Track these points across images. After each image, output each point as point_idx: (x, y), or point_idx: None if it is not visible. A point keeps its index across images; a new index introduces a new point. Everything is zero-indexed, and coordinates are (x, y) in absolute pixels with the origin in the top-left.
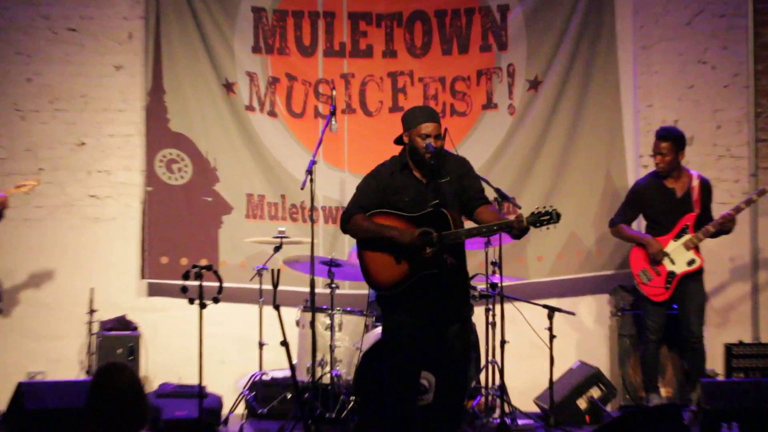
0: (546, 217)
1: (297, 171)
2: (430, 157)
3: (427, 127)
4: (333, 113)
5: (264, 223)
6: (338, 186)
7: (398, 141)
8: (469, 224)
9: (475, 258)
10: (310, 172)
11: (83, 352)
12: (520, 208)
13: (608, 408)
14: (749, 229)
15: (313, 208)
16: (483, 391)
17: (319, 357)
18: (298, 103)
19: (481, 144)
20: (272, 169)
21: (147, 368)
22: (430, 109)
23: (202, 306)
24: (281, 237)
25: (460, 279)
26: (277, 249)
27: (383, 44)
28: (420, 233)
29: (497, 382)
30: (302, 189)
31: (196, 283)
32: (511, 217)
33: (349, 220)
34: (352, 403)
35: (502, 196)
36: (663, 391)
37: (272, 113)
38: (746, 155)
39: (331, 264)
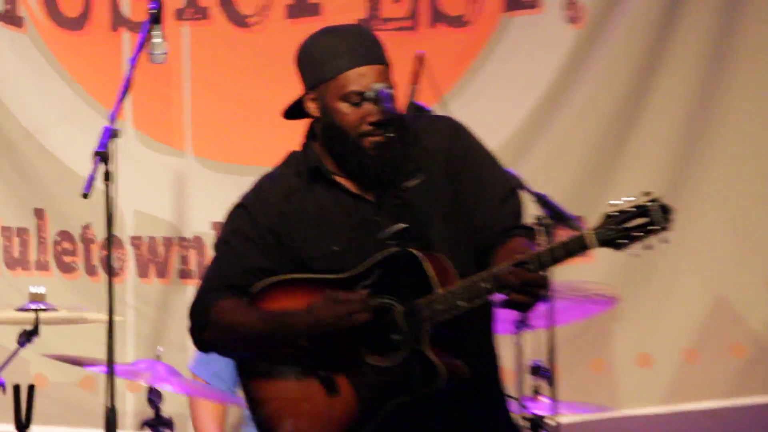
0: (638, 222)
1: (73, 154)
2: (374, 146)
3: (359, 78)
4: (156, 18)
5: None
6: (171, 189)
7: (295, 113)
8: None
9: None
10: (102, 155)
11: None
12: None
13: None
14: None
15: (111, 241)
16: None
17: None
18: None
19: (503, 89)
20: (13, 149)
21: None
22: (357, 30)
23: None
24: (36, 308)
25: (484, 391)
26: (28, 336)
27: None
28: (370, 307)
29: None
30: (86, 196)
31: None
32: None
33: (206, 317)
34: None
35: (555, 213)
36: None
37: (13, 19)
38: None
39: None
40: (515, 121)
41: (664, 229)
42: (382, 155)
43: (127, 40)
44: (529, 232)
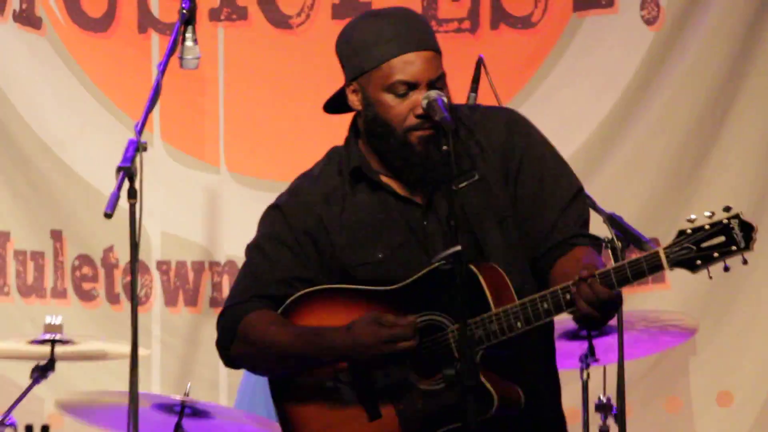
0: (716, 241)
1: (94, 170)
2: (422, 141)
3: (405, 66)
4: (188, 19)
5: (7, 305)
6: (202, 208)
7: (338, 107)
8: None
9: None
10: (127, 171)
11: None
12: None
13: None
14: None
15: (136, 267)
16: None
17: None
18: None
19: (572, 97)
20: (29, 163)
21: None
22: (403, 13)
23: None
24: (52, 339)
25: (541, 422)
26: (43, 372)
27: None
28: (417, 334)
29: None
30: (109, 216)
31: None
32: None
33: (234, 330)
34: None
35: (627, 235)
36: None
37: (31, 19)
38: None
39: (184, 413)
40: (585, 132)
41: (744, 249)
42: (431, 152)
43: (156, 43)
44: (594, 241)
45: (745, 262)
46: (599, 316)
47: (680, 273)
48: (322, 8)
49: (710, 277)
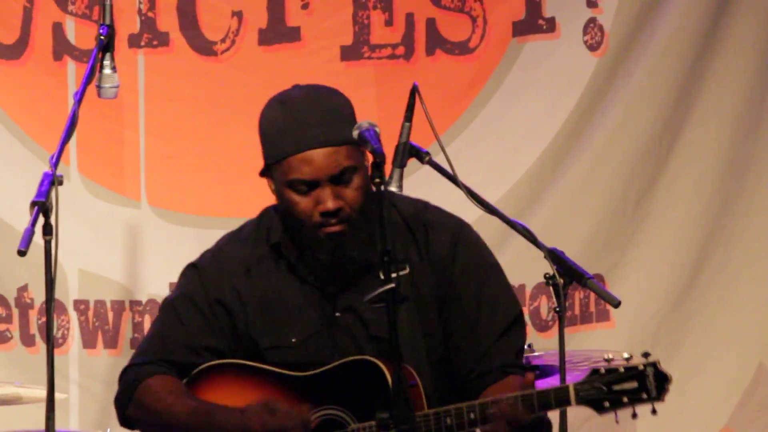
0: (627, 386)
1: (7, 205)
2: (330, 237)
3: (302, 165)
4: (106, 46)
5: None
6: (122, 245)
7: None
8: None
9: None
10: (41, 206)
11: None
12: (616, 305)
13: None
14: None
15: (52, 307)
16: None
17: None
18: (5, 21)
19: (511, 126)
20: None
21: None
22: (315, 98)
23: None
24: None
25: None
26: None
27: None
28: (308, 423)
29: None
30: (23, 253)
31: None
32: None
33: (131, 392)
34: None
35: (569, 271)
36: None
37: None
38: None
39: None
40: (525, 162)
41: (655, 399)
42: (338, 246)
43: (72, 71)
44: (525, 373)
45: (653, 411)
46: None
47: (625, 311)
48: (248, 34)
49: (617, 422)
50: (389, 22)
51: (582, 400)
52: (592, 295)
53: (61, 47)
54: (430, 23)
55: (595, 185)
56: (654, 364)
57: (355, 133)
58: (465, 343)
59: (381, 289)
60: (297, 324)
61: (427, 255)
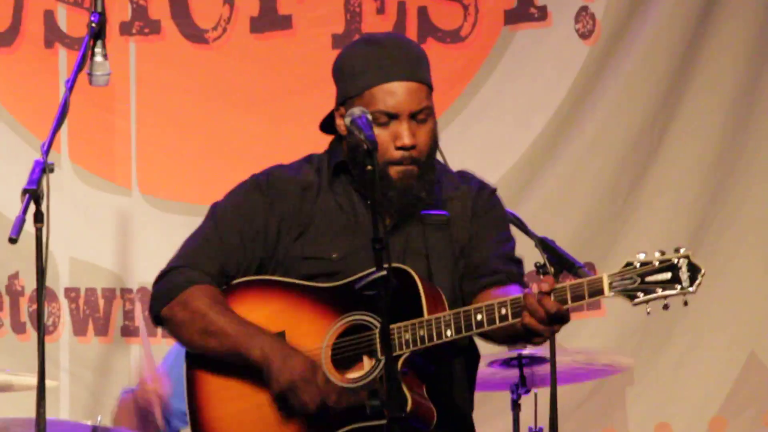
0: (660, 277)
1: None
2: (400, 176)
3: (387, 96)
4: (97, 33)
5: None
6: (113, 233)
7: (328, 128)
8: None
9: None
10: (32, 193)
11: None
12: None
13: None
14: None
15: (43, 294)
16: None
17: None
18: None
19: (503, 114)
20: None
21: None
22: (397, 41)
23: None
24: None
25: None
26: None
27: None
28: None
29: None
30: (14, 241)
31: None
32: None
33: (176, 292)
34: None
35: (560, 260)
36: None
37: None
38: None
39: None
40: (517, 151)
41: (687, 290)
42: (410, 187)
43: (64, 58)
44: (506, 280)
45: (685, 303)
46: (543, 328)
47: (617, 301)
48: (239, 22)
49: (648, 313)
50: (381, 10)
51: (617, 290)
52: None
53: (53, 35)
54: (422, 11)
55: (586, 174)
56: (687, 257)
57: (348, 120)
58: (473, 254)
59: (373, 275)
60: (341, 240)
61: (470, 205)
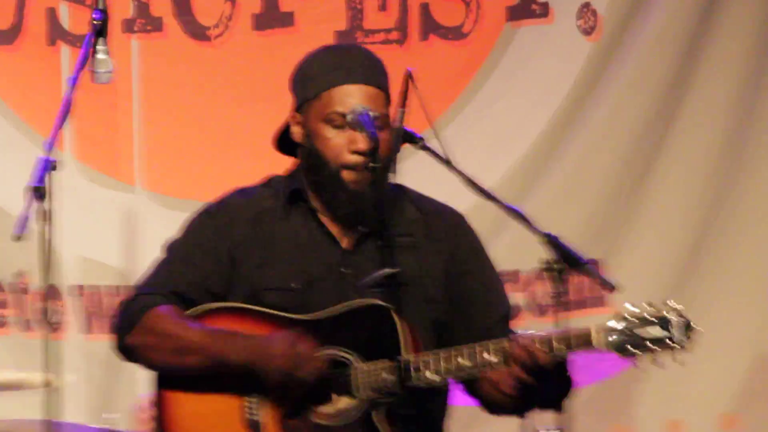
0: (655, 333)
1: (3, 190)
2: (354, 180)
3: (344, 97)
4: (100, 31)
5: None
6: (119, 230)
7: (285, 145)
8: None
9: None
10: (38, 191)
11: None
12: (612, 290)
13: None
14: None
15: (49, 292)
16: None
17: None
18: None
19: (506, 111)
20: None
21: None
22: (357, 49)
23: None
24: None
25: None
26: None
27: None
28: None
29: None
30: (19, 238)
31: None
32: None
33: (137, 318)
34: None
35: (566, 257)
36: None
37: None
38: None
39: None
40: (520, 148)
41: (682, 348)
42: (362, 193)
43: (66, 56)
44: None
45: (682, 363)
46: (532, 381)
47: (622, 296)
48: (241, 19)
49: (636, 366)
50: (383, 7)
51: (608, 346)
52: (587, 281)
53: (55, 32)
54: (424, 8)
55: (591, 169)
56: (682, 314)
57: (350, 117)
58: (466, 319)
59: (379, 273)
60: (299, 269)
61: (432, 234)
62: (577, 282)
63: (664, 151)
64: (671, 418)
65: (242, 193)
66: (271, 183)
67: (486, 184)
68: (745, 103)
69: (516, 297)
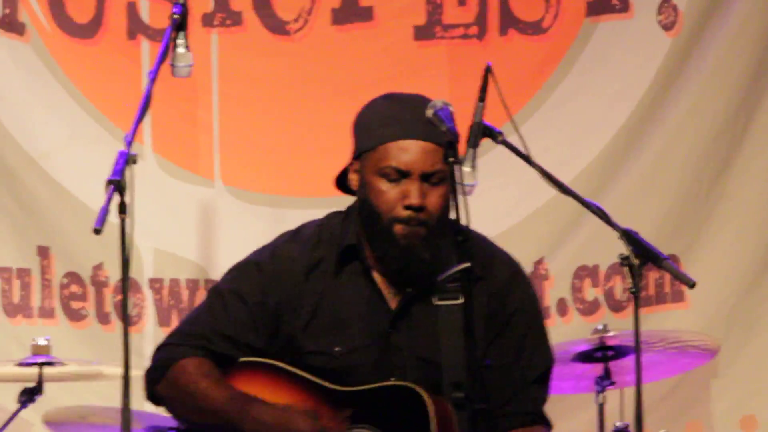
0: None
1: (82, 183)
2: (405, 236)
3: (400, 153)
4: (179, 25)
5: None
6: (197, 224)
7: (344, 184)
8: None
9: None
10: (117, 184)
11: None
12: (691, 286)
13: None
14: None
15: (127, 285)
16: None
17: None
18: (79, 1)
19: (585, 106)
20: (13, 177)
21: None
22: (418, 100)
23: None
24: (42, 362)
25: None
26: (30, 395)
27: None
28: None
29: None
30: (98, 232)
31: None
32: None
33: (164, 369)
34: None
35: (644, 252)
36: None
37: (13, 25)
38: None
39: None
40: (599, 143)
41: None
42: (414, 248)
43: (146, 50)
44: (547, 426)
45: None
46: None
47: (700, 292)
48: (320, 13)
49: None
50: (462, 2)
51: None
52: (667, 276)
53: (135, 26)
54: (503, 3)
55: (669, 165)
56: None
57: (430, 112)
58: (500, 378)
59: (456, 268)
60: (345, 334)
61: (485, 282)
62: (656, 277)
63: (743, 147)
64: (746, 414)
65: (294, 239)
66: (324, 226)
67: (565, 179)
68: None
69: (594, 292)
